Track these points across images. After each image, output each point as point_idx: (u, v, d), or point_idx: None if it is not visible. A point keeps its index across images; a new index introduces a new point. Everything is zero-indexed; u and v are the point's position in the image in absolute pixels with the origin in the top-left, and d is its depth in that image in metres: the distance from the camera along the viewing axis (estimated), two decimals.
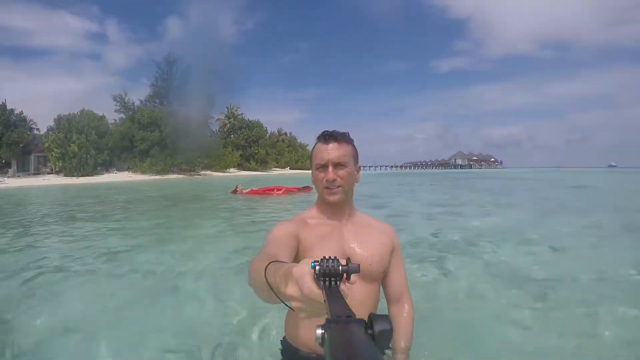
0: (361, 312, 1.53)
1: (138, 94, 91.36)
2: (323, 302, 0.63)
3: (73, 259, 5.29)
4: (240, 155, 67.75)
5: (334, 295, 0.62)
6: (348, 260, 0.68)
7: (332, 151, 1.56)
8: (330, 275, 0.66)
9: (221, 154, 61.89)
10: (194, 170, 57.46)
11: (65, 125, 51.25)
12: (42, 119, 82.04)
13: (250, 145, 70.84)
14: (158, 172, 53.23)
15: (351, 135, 1.64)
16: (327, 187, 1.59)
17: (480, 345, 2.61)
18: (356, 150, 1.66)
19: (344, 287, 0.67)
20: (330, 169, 1.56)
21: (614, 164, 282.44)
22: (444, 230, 7.24)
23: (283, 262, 0.91)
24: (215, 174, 59.08)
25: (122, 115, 60.67)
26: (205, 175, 57.06)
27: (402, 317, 1.74)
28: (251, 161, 70.55)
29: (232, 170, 64.99)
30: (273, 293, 0.83)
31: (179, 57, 68.36)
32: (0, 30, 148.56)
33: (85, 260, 5.15)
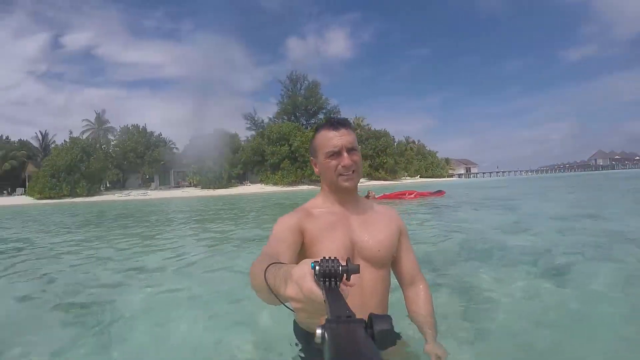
0: (373, 299, 1.59)
1: (267, 112, 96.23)
2: (323, 302, 0.64)
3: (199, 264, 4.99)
4: (369, 165, 66.20)
5: (333, 296, 0.62)
6: (348, 260, 0.69)
7: (344, 137, 1.53)
8: (330, 276, 0.66)
9: None
10: None
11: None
12: (180, 139, 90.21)
13: (378, 155, 68.77)
14: (289, 184, 54.26)
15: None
16: (342, 174, 1.55)
17: None
18: None
19: (343, 287, 0.68)
20: (345, 154, 1.52)
21: None
22: None
23: (282, 264, 0.91)
24: None
25: (253, 132, 64.04)
26: None
27: (420, 298, 1.71)
28: (380, 170, 68.52)
29: (361, 180, 62.98)
30: (273, 295, 0.83)
31: (301, 74, 70.60)
32: (135, 65, 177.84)
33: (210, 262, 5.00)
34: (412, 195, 17.24)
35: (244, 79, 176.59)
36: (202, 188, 52.57)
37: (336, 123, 1.56)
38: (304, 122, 68.77)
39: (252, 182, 57.21)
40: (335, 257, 0.68)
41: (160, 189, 54.50)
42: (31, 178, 52.74)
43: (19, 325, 3.09)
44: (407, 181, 69.02)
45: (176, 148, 60.96)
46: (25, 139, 64.78)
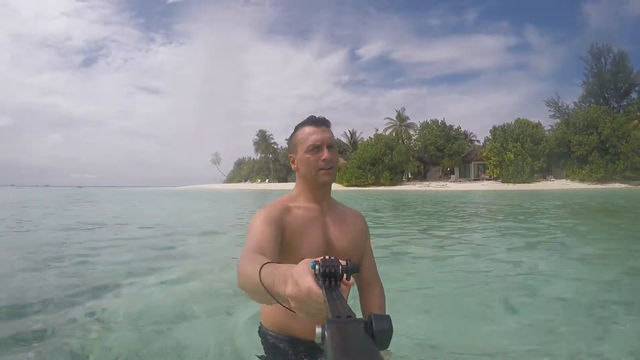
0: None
1: (572, 96, 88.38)
2: (323, 302, 0.64)
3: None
4: None
5: (333, 295, 0.62)
6: (348, 260, 0.70)
7: (326, 133, 1.60)
8: (331, 276, 0.67)
9: None
10: None
11: (501, 135, 55.20)
12: (480, 132, 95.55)
13: None
14: (598, 181, 48.57)
15: None
16: (322, 168, 1.59)
17: None
18: None
19: (343, 287, 0.68)
20: (325, 149, 1.58)
21: None
22: None
23: (278, 264, 0.92)
24: None
25: (557, 120, 58.87)
26: None
27: (375, 299, 1.79)
28: None
29: None
30: (269, 295, 0.83)
31: (603, 46, 59.17)
32: (431, 63, 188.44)
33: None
34: None
35: (541, 61, 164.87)
36: (502, 182, 52.77)
37: (317, 121, 1.63)
38: (615, 105, 58.34)
39: (557, 177, 53.49)
40: (335, 257, 0.70)
41: (460, 181, 57.82)
42: (340, 169, 64.74)
43: None
44: None
45: (477, 140, 63.56)
46: (336, 137, 79.87)
